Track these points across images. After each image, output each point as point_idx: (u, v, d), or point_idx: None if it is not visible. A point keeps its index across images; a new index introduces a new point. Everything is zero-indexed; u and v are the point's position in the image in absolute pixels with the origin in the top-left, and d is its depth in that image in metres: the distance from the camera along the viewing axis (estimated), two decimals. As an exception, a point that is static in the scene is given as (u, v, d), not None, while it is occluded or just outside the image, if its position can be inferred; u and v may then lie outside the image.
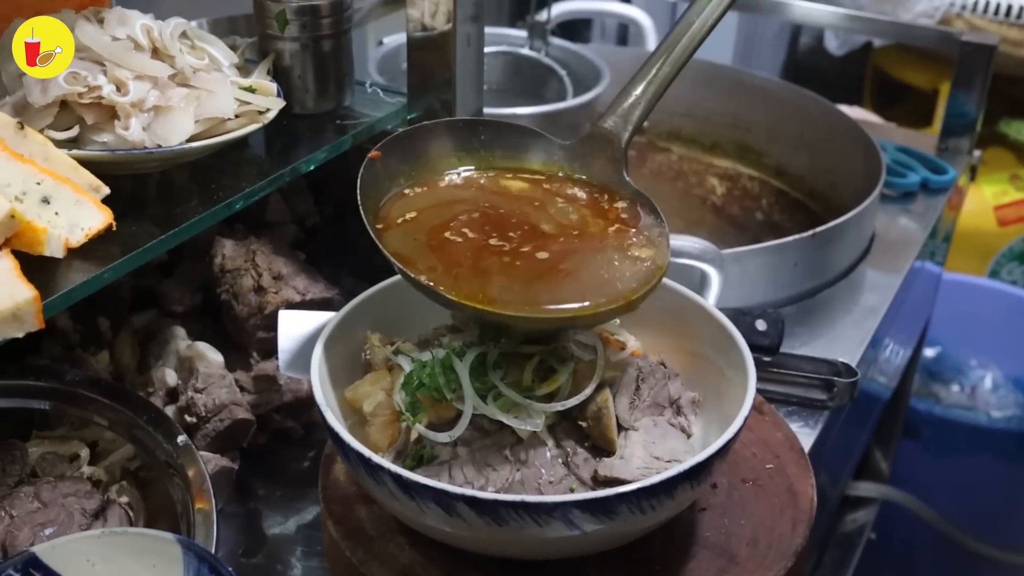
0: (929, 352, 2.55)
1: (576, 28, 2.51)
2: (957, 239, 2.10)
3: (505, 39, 1.97)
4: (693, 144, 2.07)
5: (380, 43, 1.85)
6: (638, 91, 1.02)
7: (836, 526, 2.16)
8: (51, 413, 1.05)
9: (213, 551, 0.87)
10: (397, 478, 0.84)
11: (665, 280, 1.08)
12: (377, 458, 0.86)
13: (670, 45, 1.02)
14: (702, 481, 0.89)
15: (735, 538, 0.98)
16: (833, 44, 2.78)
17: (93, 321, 1.17)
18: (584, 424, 0.96)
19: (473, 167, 1.02)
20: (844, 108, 2.04)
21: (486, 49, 1.93)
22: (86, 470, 1.02)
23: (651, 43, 2.17)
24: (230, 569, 0.77)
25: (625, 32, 2.53)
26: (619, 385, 0.99)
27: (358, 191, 0.93)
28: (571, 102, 1.73)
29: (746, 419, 0.90)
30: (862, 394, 1.49)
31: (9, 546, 0.90)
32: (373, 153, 0.97)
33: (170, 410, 1.12)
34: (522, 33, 1.96)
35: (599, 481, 0.93)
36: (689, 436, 1.01)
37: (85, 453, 1.03)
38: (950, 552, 2.30)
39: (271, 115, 1.05)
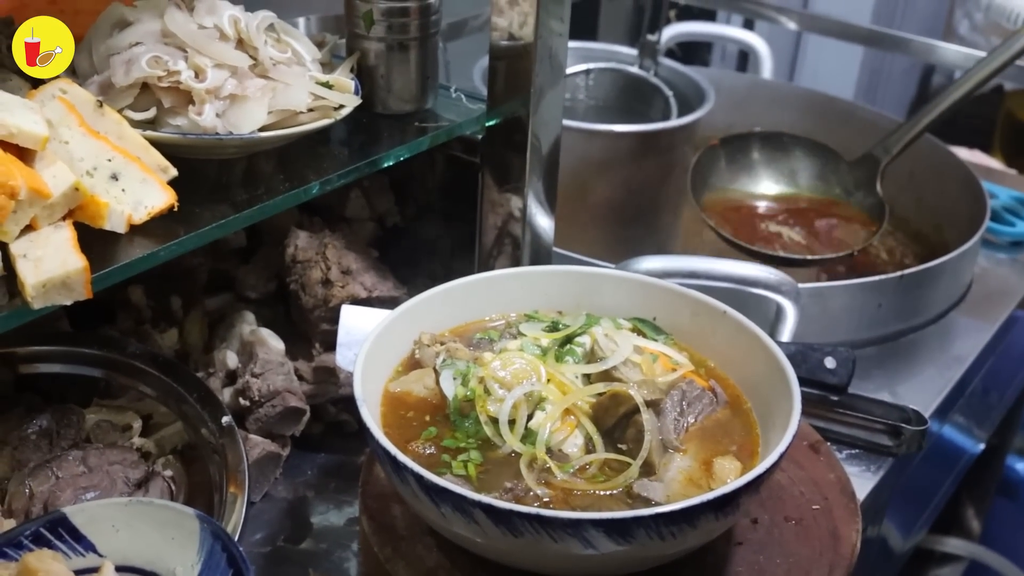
0: (1038, 410, 2.45)
1: (697, 51, 2.50)
2: (1072, 294, 2.01)
3: (616, 56, 1.96)
4: (800, 175, 2.03)
5: (490, 52, 1.87)
6: (904, 130, 1.54)
7: (918, 581, 2.09)
8: (113, 383, 1.09)
9: (238, 533, 0.89)
10: (419, 478, 0.85)
11: (726, 308, 1.07)
12: (402, 457, 0.86)
13: (939, 103, 1.59)
14: (728, 513, 0.87)
15: (767, 576, 0.96)
16: (963, 85, 2.69)
17: (167, 299, 1.21)
18: (624, 447, 0.95)
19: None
20: (962, 152, 1.98)
21: (595, 65, 1.95)
22: (137, 441, 1.05)
23: (765, 71, 2.14)
24: (240, 549, 0.78)
25: (745, 58, 2.50)
26: (663, 407, 0.98)
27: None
28: (671, 123, 1.72)
29: (782, 456, 0.88)
30: (941, 444, 1.44)
31: (50, 505, 0.94)
32: (713, 141, 1.25)
33: (227, 392, 1.14)
34: (634, 51, 1.95)
35: (632, 498, 0.91)
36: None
37: (138, 424, 1.06)
38: (1040, 621, 2.20)
39: (345, 111, 1.06)
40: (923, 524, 1.67)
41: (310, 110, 1.05)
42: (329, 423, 1.23)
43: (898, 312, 1.44)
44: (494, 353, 1.03)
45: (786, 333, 1.31)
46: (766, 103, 2.04)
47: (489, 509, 0.82)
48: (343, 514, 1.17)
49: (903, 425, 1.22)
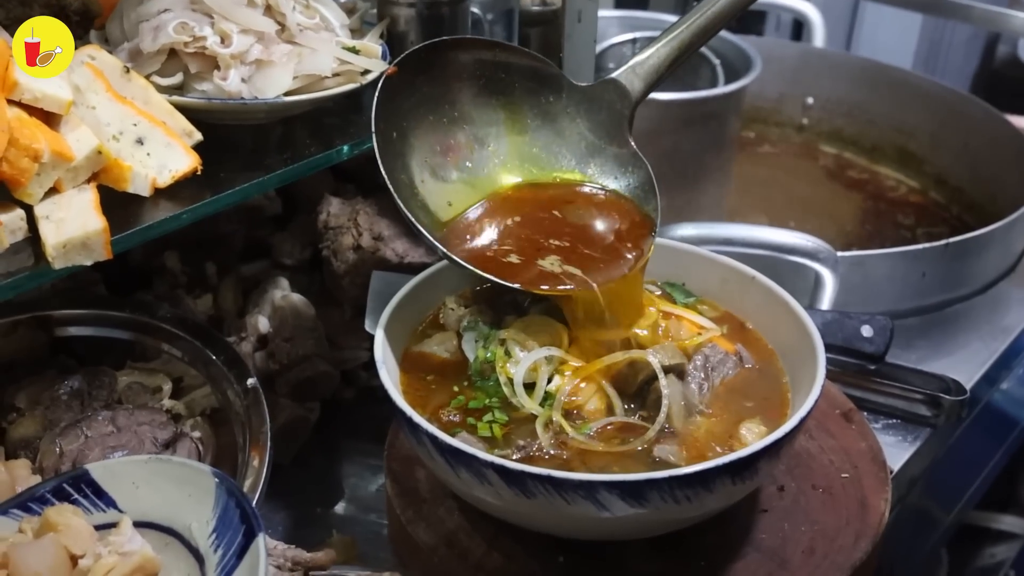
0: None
1: (751, 20, 2.46)
2: None
3: (663, 25, 1.93)
4: (853, 145, 2.00)
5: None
6: (656, 48, 1.03)
7: (973, 558, 2.05)
8: (146, 346, 1.10)
9: (257, 492, 0.90)
10: (433, 439, 0.85)
11: (755, 273, 1.06)
12: (418, 417, 0.86)
13: (697, 13, 1.02)
14: (746, 478, 0.86)
15: (791, 544, 0.95)
16: (1025, 52, 2.62)
17: (202, 265, 1.23)
18: (646, 413, 0.94)
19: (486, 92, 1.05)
20: (1021, 120, 1.93)
21: (642, 34, 1.93)
22: (167, 403, 1.07)
23: (818, 40, 2.10)
24: (253, 506, 0.79)
25: (800, 28, 2.46)
26: (687, 372, 0.97)
27: (374, 109, 0.96)
28: (717, 91, 1.70)
29: (803, 420, 0.87)
30: (988, 416, 1.41)
31: (79, 463, 0.96)
32: (390, 69, 0.99)
33: (259, 356, 1.16)
34: (681, 20, 1.93)
35: (652, 462, 0.91)
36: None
37: (168, 387, 1.07)
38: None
39: (371, 76, 1.06)
40: (971, 497, 1.64)
41: (336, 75, 1.05)
42: (361, 388, 1.23)
43: (943, 282, 1.41)
44: (517, 316, 1.03)
45: (825, 301, 1.29)
46: (817, 72, 2.01)
47: (501, 470, 0.82)
48: (375, 479, 1.18)
49: (942, 395, 1.19)
